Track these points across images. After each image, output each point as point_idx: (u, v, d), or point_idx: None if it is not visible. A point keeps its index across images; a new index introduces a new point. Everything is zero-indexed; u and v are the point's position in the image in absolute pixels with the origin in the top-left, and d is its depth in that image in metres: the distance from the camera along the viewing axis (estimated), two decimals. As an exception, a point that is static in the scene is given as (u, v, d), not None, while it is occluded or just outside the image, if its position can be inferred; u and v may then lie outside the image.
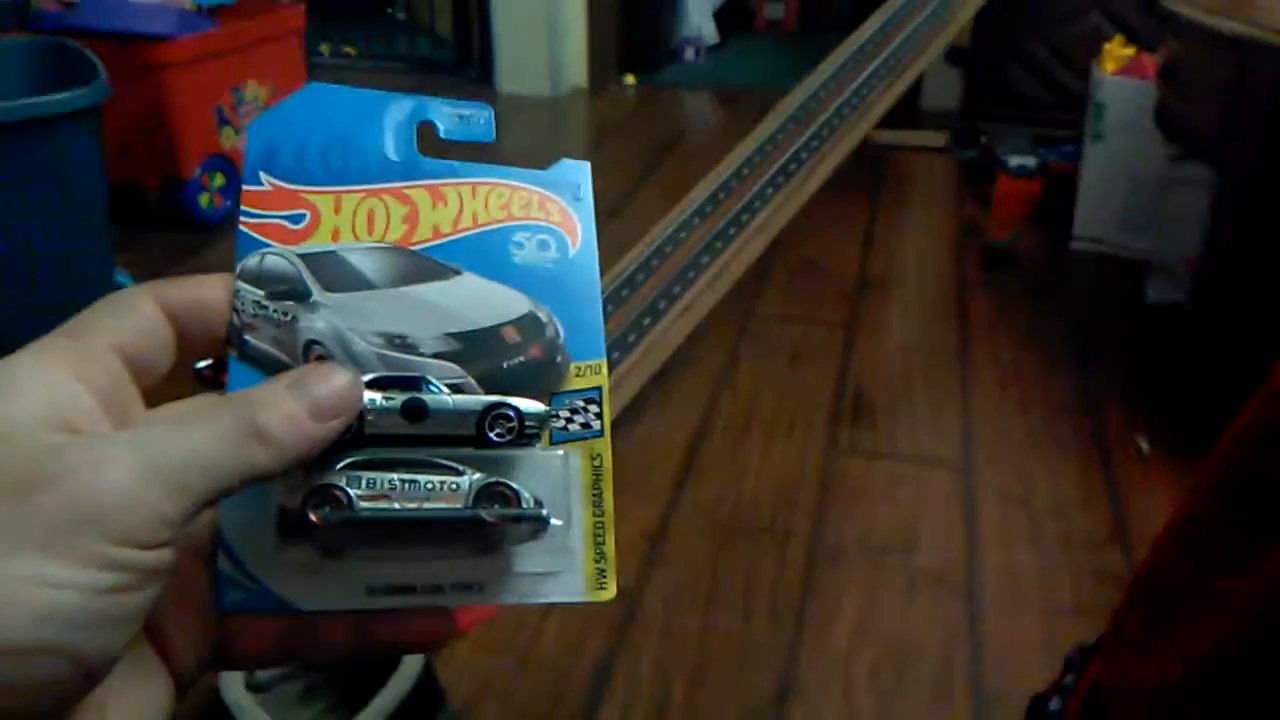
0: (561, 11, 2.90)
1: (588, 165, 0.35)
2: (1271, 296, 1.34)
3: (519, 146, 2.53)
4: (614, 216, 2.05)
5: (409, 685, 0.83)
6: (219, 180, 1.99)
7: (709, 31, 3.43)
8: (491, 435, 0.30)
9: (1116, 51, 1.90)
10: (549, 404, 0.31)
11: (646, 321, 1.38)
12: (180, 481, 0.25)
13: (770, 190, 1.61)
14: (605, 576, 0.31)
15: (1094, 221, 1.93)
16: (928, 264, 1.91)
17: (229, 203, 1.98)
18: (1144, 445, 1.35)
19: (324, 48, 3.29)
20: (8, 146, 1.30)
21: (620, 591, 1.11)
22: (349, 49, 3.33)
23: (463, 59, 3.19)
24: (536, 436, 0.31)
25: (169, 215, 1.98)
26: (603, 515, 0.32)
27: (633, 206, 2.11)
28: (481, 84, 3.06)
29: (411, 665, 0.85)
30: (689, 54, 3.36)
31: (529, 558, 0.31)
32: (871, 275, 1.85)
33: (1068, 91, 2.35)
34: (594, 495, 0.32)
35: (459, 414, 0.30)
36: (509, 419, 0.30)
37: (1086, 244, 1.94)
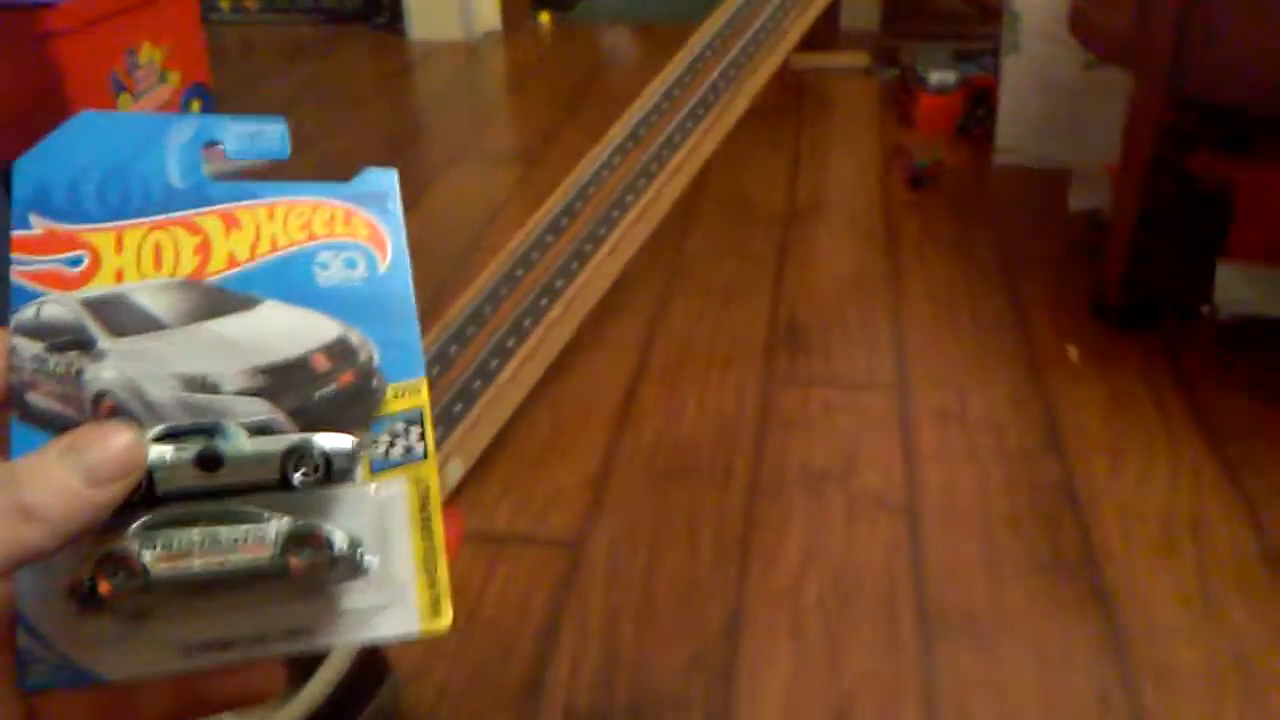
0: (468, -49, 2.82)
1: (394, 173, 0.33)
2: (1187, 199, 1.36)
3: (434, 94, 2.46)
4: (535, 164, 2.01)
5: (348, 661, 0.81)
6: (121, 150, 1.92)
7: (622, -37, 3.35)
8: (295, 478, 0.29)
9: (1029, -41, 1.89)
10: (368, 429, 0.30)
11: (574, 266, 1.36)
12: None
13: (690, 123, 1.59)
14: (439, 603, 0.30)
15: (1015, 134, 1.93)
16: (855, 188, 1.90)
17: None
18: (1073, 353, 1.36)
19: (223, 2, 3.16)
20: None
21: (564, 542, 1.08)
22: (249, 2, 3.20)
23: (371, 7, 3.09)
24: (348, 472, 0.29)
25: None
26: (433, 541, 0.30)
27: (555, 150, 2.07)
28: (390, 32, 2.96)
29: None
30: (604, -12, 3.28)
31: (356, 594, 0.29)
32: (799, 204, 1.84)
33: (986, 4, 2.34)
34: (423, 520, 0.30)
35: (258, 459, 0.28)
36: (312, 459, 0.29)
37: (1008, 157, 1.95)
